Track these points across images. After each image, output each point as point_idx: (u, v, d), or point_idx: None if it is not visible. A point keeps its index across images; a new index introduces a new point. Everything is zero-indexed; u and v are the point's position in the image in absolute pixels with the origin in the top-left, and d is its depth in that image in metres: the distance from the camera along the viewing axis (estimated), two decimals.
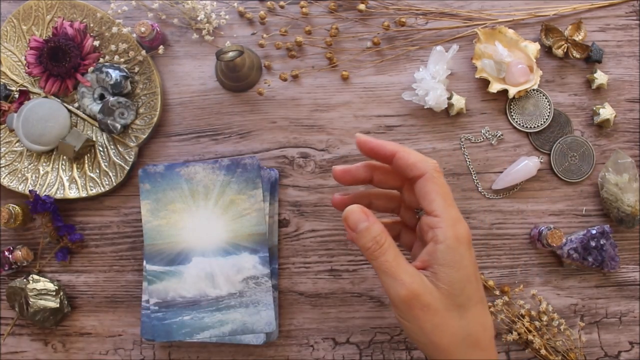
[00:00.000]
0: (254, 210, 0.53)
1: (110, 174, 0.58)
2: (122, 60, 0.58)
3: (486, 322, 0.43)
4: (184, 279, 0.53)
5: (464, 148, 0.59)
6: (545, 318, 0.56)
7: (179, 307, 0.53)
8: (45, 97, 0.58)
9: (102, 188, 0.57)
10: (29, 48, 0.58)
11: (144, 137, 0.58)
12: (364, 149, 0.45)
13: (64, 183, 0.58)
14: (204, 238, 0.53)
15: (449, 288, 0.41)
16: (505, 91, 0.58)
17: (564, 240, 0.55)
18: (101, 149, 0.58)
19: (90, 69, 0.57)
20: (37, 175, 0.58)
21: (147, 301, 0.53)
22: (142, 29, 0.55)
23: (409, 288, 0.40)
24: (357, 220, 0.42)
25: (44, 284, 0.57)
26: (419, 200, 0.43)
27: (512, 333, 0.56)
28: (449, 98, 0.58)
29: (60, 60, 0.57)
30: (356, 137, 0.46)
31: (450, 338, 0.41)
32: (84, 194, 0.57)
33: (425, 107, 0.58)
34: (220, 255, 0.53)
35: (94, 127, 0.59)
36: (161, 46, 0.58)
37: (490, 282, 0.57)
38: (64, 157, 0.58)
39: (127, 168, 0.57)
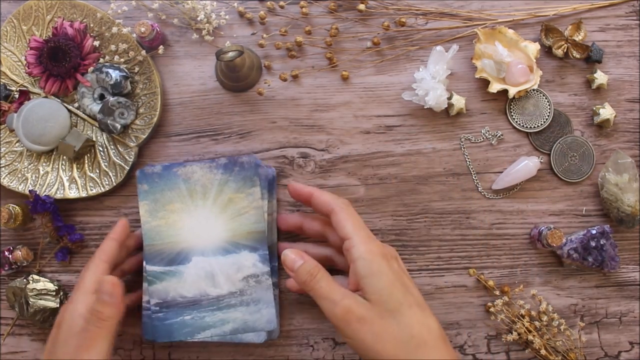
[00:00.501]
0: (253, 208, 0.53)
1: (110, 174, 0.58)
2: (122, 60, 0.58)
3: (429, 324, 0.45)
4: (184, 279, 0.53)
5: (464, 148, 0.59)
6: (545, 318, 0.56)
7: (180, 307, 0.53)
8: (45, 97, 0.58)
9: (102, 188, 0.57)
10: (29, 48, 0.58)
11: (144, 137, 0.58)
12: (292, 194, 0.53)
13: (64, 183, 0.58)
14: (203, 237, 0.53)
15: (377, 296, 0.45)
16: (505, 91, 0.58)
17: (564, 240, 0.55)
18: (101, 149, 0.58)
19: (90, 69, 0.57)
20: (37, 175, 0.58)
21: (148, 302, 0.53)
22: (142, 29, 0.55)
23: (342, 305, 0.45)
24: (293, 261, 0.48)
25: (44, 284, 0.57)
26: (336, 231, 0.48)
27: (512, 333, 0.56)
28: (449, 98, 0.58)
29: (60, 61, 0.57)
30: (288, 187, 0.53)
31: (393, 343, 0.44)
32: (84, 194, 0.57)
33: (425, 107, 0.58)
34: (220, 254, 0.53)
35: (94, 127, 0.59)
36: (161, 46, 0.58)
37: (491, 282, 0.57)
38: (64, 157, 0.58)
39: (127, 168, 0.57)
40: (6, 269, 0.56)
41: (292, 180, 0.58)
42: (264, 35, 0.60)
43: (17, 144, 0.59)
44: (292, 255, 0.48)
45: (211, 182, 0.54)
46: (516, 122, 0.59)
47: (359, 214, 0.50)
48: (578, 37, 0.59)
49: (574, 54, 0.59)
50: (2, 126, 0.59)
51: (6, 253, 0.56)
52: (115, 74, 0.57)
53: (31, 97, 0.59)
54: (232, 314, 0.53)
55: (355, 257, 0.46)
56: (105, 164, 0.58)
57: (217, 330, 0.53)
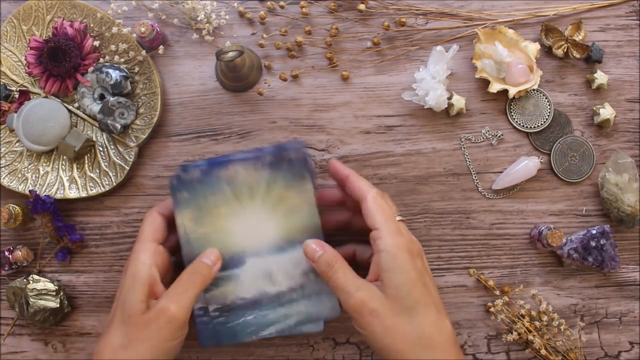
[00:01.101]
0: (306, 204, 0.50)
1: (110, 174, 0.58)
2: (122, 60, 0.58)
3: (442, 326, 0.45)
4: (240, 281, 0.51)
5: (464, 148, 0.59)
6: (545, 318, 0.56)
7: (241, 308, 0.51)
8: (45, 97, 0.58)
9: (102, 188, 0.57)
10: (29, 48, 0.58)
11: (144, 137, 0.58)
12: (331, 171, 0.52)
13: (64, 183, 0.58)
14: (255, 238, 0.51)
15: (395, 292, 0.45)
16: (505, 91, 0.58)
17: (564, 240, 0.55)
18: (101, 149, 0.58)
19: (90, 69, 0.57)
20: (37, 175, 0.58)
21: (204, 309, 0.51)
22: (142, 29, 0.55)
23: (356, 297, 0.45)
24: (314, 251, 0.48)
25: (44, 284, 0.57)
26: (365, 220, 0.48)
27: (512, 333, 0.56)
28: (449, 98, 0.58)
29: (60, 61, 0.57)
30: (329, 163, 0.52)
31: (402, 339, 0.44)
32: (84, 194, 0.57)
33: (425, 107, 0.58)
34: (275, 252, 0.51)
35: (94, 127, 0.59)
36: (161, 46, 0.58)
37: (491, 282, 0.57)
38: (64, 157, 0.58)
39: (127, 168, 0.57)
40: (6, 269, 0.56)
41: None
42: (264, 35, 0.60)
43: (17, 144, 0.58)
44: (313, 245, 0.49)
45: (258, 182, 0.50)
46: (516, 122, 0.59)
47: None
48: (578, 37, 0.59)
49: (574, 54, 0.59)
50: (2, 126, 0.59)
51: (6, 253, 0.56)
52: (115, 74, 0.57)
53: (31, 97, 0.59)
54: (295, 308, 0.51)
55: (380, 249, 0.46)
56: (106, 164, 0.58)
57: (281, 325, 0.51)
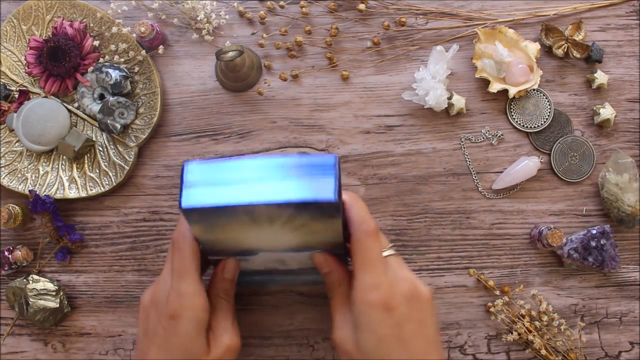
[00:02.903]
0: (331, 230, 0.43)
1: (110, 173, 0.58)
2: (122, 60, 0.58)
3: None
4: (251, 262, 0.48)
5: (464, 148, 0.59)
6: (545, 318, 0.56)
7: (250, 273, 0.50)
8: (45, 97, 0.58)
9: (102, 188, 0.57)
10: (28, 48, 0.58)
11: (144, 137, 0.58)
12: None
13: (63, 183, 0.58)
14: (270, 245, 0.45)
15: (363, 347, 0.43)
16: (505, 91, 0.58)
17: (564, 240, 0.55)
18: (101, 149, 0.58)
19: (90, 68, 0.57)
20: (37, 175, 0.58)
21: None
22: (142, 29, 0.55)
23: (336, 334, 0.45)
24: (320, 265, 0.47)
25: (43, 284, 0.57)
26: None
27: (512, 333, 0.56)
28: (449, 98, 0.58)
29: (60, 60, 0.57)
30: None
31: None
32: (83, 194, 0.57)
33: (426, 107, 0.58)
34: (290, 252, 0.46)
35: (93, 127, 0.59)
36: (161, 46, 0.58)
37: (491, 282, 0.57)
38: (64, 157, 0.58)
39: (127, 168, 0.57)
40: (6, 269, 0.56)
41: None
42: (264, 35, 0.60)
43: (16, 144, 0.58)
44: (321, 259, 0.47)
45: (280, 215, 0.40)
46: (516, 122, 0.59)
47: None
48: (578, 37, 0.59)
49: (574, 54, 0.59)
50: (2, 126, 0.59)
51: (6, 253, 0.56)
52: (115, 74, 0.56)
53: (31, 96, 0.59)
54: (303, 277, 0.51)
55: (352, 301, 0.44)
56: (105, 164, 0.58)
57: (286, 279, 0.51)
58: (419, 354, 0.42)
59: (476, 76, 0.58)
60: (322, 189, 0.38)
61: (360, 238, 0.43)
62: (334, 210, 0.40)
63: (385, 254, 0.44)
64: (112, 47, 0.58)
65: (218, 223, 0.41)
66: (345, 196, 0.45)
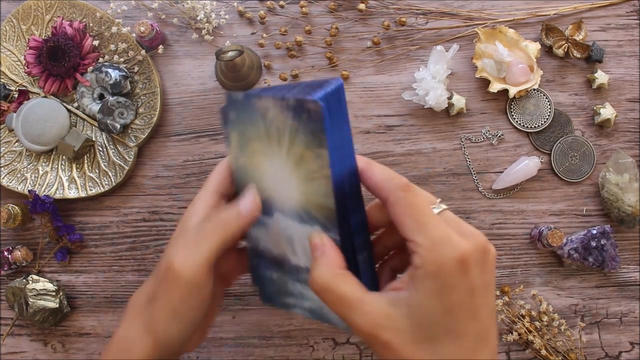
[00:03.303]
0: (322, 176, 0.42)
1: (110, 173, 0.57)
2: (121, 60, 0.58)
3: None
4: (269, 233, 0.47)
5: (464, 148, 0.59)
6: (545, 318, 0.56)
7: (268, 261, 0.48)
8: (45, 96, 0.58)
9: (101, 188, 0.57)
10: (28, 48, 0.58)
11: (144, 137, 0.57)
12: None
13: (63, 183, 0.57)
14: (281, 192, 0.45)
15: (421, 318, 0.34)
16: (505, 91, 0.58)
17: (564, 241, 0.55)
18: (100, 148, 0.58)
19: (90, 68, 0.57)
20: (37, 175, 0.58)
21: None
22: (142, 29, 0.55)
23: (361, 320, 0.35)
24: (314, 247, 0.40)
25: (43, 284, 0.57)
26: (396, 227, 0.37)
27: (512, 333, 0.56)
28: (449, 98, 0.58)
29: (60, 60, 0.57)
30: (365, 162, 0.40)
31: None
32: (83, 194, 0.57)
33: (426, 107, 0.57)
34: (296, 219, 0.45)
35: (93, 127, 0.59)
36: (161, 46, 0.58)
37: None
38: (64, 157, 0.58)
39: (127, 168, 0.57)
40: (6, 269, 0.56)
41: None
42: (264, 35, 0.59)
43: (16, 144, 0.58)
44: (317, 239, 0.39)
45: (284, 126, 0.43)
46: (517, 121, 0.59)
47: None
48: (579, 37, 0.59)
49: (575, 54, 0.59)
50: (2, 126, 0.58)
51: (5, 253, 0.56)
52: (114, 74, 0.56)
53: (30, 96, 0.59)
54: (310, 292, 0.45)
55: (417, 265, 0.35)
56: (105, 164, 0.58)
57: (298, 301, 0.47)
58: (484, 329, 0.35)
59: (476, 76, 0.58)
60: (314, 94, 0.40)
61: (399, 196, 0.37)
62: (318, 122, 0.39)
63: (436, 210, 0.37)
64: (112, 46, 0.57)
65: (246, 133, 0.44)
66: (360, 162, 0.40)
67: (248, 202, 0.41)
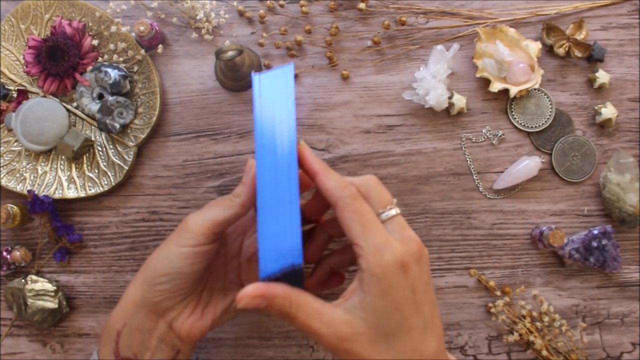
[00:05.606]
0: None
1: (109, 173, 0.57)
2: (121, 59, 0.58)
3: (424, 349, 0.39)
4: None
5: (464, 148, 0.59)
6: (546, 319, 0.56)
7: None
8: (44, 96, 0.58)
9: (101, 188, 0.57)
10: (27, 47, 0.58)
11: (143, 136, 0.57)
12: (300, 157, 0.43)
13: (62, 183, 0.57)
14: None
15: (374, 318, 0.39)
16: (506, 90, 0.58)
17: (565, 241, 0.55)
18: (100, 148, 0.58)
19: (89, 68, 0.57)
20: (36, 175, 0.58)
21: None
22: (141, 28, 0.55)
23: (331, 333, 0.39)
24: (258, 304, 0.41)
25: (42, 284, 0.57)
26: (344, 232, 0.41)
27: (513, 334, 0.56)
28: (450, 97, 0.58)
29: (59, 60, 0.57)
30: (299, 146, 0.43)
31: None
32: (82, 194, 0.57)
33: (426, 107, 0.57)
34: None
35: (92, 127, 0.58)
36: (160, 45, 0.58)
37: (492, 283, 0.57)
38: (63, 157, 0.58)
39: (126, 168, 0.57)
40: (4, 269, 0.56)
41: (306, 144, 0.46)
42: (264, 35, 0.59)
43: (15, 144, 0.58)
44: (253, 293, 0.39)
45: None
46: (517, 121, 0.58)
47: None
48: (580, 36, 0.59)
49: (576, 53, 0.58)
50: (1, 125, 0.58)
51: (4, 253, 0.56)
52: (114, 73, 0.56)
53: (29, 96, 0.58)
54: None
55: (362, 268, 0.39)
56: (104, 163, 0.58)
57: None
58: (428, 321, 0.40)
59: (477, 76, 0.58)
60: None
61: (348, 203, 0.40)
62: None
63: (386, 215, 0.41)
64: (111, 46, 0.57)
65: None
66: (317, 165, 0.42)
67: (244, 197, 0.45)
